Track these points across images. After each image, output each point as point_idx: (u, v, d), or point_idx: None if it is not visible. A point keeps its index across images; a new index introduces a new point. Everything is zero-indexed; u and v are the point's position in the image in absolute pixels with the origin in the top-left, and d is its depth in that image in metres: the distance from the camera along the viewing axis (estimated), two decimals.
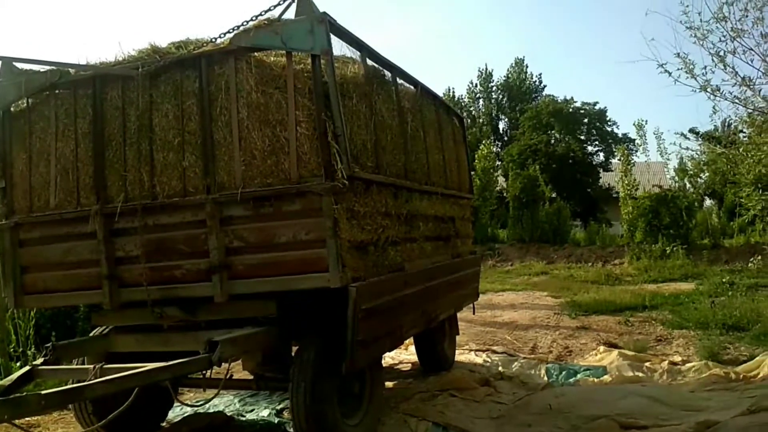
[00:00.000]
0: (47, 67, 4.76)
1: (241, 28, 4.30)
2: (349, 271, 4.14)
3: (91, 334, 5.03)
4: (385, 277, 4.75)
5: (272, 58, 4.42)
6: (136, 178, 4.52)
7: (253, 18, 4.29)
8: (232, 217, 4.34)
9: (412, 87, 5.94)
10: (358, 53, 4.83)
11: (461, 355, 7.88)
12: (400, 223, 5.16)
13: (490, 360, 7.77)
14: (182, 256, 4.49)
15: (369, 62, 4.89)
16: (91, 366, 4.11)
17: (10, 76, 4.82)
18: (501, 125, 49.69)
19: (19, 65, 4.86)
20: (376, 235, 4.64)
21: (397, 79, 5.50)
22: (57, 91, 4.83)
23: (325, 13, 4.17)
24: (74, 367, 4.57)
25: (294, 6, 4.20)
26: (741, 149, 12.89)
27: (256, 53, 4.37)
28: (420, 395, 5.97)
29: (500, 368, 7.31)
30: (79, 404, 4.67)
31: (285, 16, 4.26)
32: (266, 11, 4.28)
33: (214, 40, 4.47)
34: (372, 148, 4.71)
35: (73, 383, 4.13)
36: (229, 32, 4.38)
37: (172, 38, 4.80)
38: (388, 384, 6.28)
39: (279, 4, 4.26)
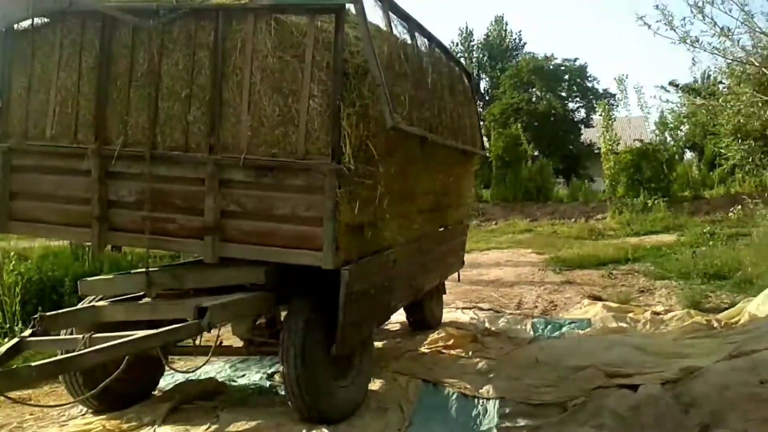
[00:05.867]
0: None
1: None
2: (342, 253, 4.09)
3: (78, 306, 5.00)
4: (377, 256, 4.68)
5: (293, 18, 4.21)
6: (138, 124, 4.43)
7: None
8: (232, 180, 4.28)
9: (427, 45, 5.61)
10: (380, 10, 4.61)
11: (448, 313, 7.96)
12: (400, 199, 5.04)
13: (476, 317, 7.86)
14: (176, 210, 4.43)
15: (397, 34, 4.66)
16: (81, 336, 4.10)
17: None
18: (482, 85, 49.40)
19: None
20: (373, 217, 4.54)
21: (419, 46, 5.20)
22: (65, 19, 4.62)
23: None
24: (63, 337, 4.52)
25: None
26: (720, 100, 12.95)
27: (278, 14, 4.17)
28: (409, 354, 6.04)
29: (487, 324, 7.42)
30: (70, 375, 4.65)
31: None
32: None
33: None
34: (383, 131, 4.41)
35: (62, 354, 4.13)
36: None
37: None
38: (378, 344, 6.34)
39: None
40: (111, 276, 5.01)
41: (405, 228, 5.29)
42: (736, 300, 7.83)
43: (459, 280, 8.48)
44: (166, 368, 4.84)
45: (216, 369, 5.88)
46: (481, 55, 49.29)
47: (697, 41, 10.90)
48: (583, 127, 36.77)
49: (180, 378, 5.41)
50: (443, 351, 6.12)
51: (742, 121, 12.31)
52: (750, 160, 13.79)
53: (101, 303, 4.75)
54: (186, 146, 4.35)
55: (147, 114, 4.40)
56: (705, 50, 11.09)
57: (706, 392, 4.25)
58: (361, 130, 4.07)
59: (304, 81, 4.05)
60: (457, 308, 8.46)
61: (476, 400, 4.85)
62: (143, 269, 4.57)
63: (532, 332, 7.14)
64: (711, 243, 12.33)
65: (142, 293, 4.70)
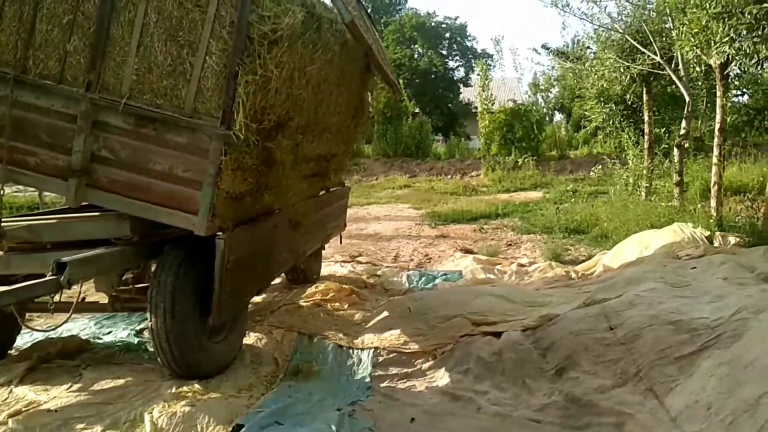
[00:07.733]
0: None
1: None
2: (218, 220, 3.95)
3: None
4: (256, 223, 4.57)
5: None
6: (8, 42, 4.05)
7: None
8: (107, 124, 4.01)
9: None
10: None
11: (327, 267, 8.03)
12: (287, 168, 4.83)
13: (355, 270, 8.00)
14: (40, 144, 4.12)
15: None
16: None
17: None
18: None
19: None
20: (256, 185, 4.41)
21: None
22: None
23: None
24: None
25: None
26: (586, 64, 13.68)
27: None
28: (286, 308, 6.05)
29: (364, 277, 7.57)
30: None
31: None
32: None
33: None
34: (282, 103, 4.24)
35: None
36: None
37: None
38: (256, 299, 6.28)
39: None
40: None
41: (287, 192, 5.20)
42: (592, 253, 8.49)
43: (341, 242, 8.53)
44: (23, 327, 4.55)
45: (80, 326, 5.60)
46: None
47: (568, 6, 11.48)
48: (462, 86, 37.65)
49: (39, 336, 5.10)
50: (320, 304, 6.18)
51: (605, 85, 13.07)
52: (611, 122, 14.72)
53: None
54: (61, 77, 4.04)
55: (20, 34, 4.03)
56: (575, 15, 11.73)
57: (561, 337, 4.59)
58: (258, 99, 3.88)
59: (203, 35, 3.82)
60: (336, 261, 8.56)
61: (351, 351, 4.96)
62: None
63: (407, 284, 7.37)
64: (573, 200, 13.22)
65: None
